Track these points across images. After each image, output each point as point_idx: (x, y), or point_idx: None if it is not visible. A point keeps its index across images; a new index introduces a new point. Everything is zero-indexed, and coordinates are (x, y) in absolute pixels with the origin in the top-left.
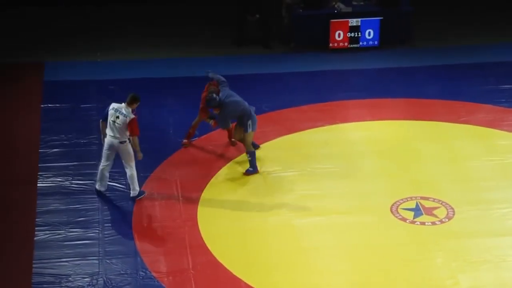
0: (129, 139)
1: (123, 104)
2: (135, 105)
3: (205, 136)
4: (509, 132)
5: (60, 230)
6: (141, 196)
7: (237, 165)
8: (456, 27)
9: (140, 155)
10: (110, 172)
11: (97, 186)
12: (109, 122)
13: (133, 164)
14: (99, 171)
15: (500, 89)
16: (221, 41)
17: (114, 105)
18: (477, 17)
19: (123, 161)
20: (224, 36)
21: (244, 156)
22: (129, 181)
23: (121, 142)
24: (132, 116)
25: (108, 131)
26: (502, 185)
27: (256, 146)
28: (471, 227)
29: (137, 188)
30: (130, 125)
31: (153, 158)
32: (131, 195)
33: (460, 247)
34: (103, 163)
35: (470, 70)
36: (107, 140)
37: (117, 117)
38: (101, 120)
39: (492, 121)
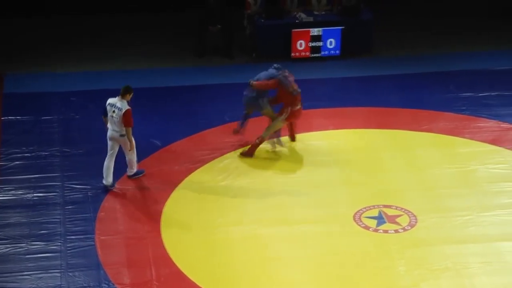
0: None
1: (117, 98)
2: (128, 96)
3: (168, 146)
4: (470, 139)
5: (21, 243)
6: (138, 176)
7: (200, 176)
8: (416, 36)
9: (132, 145)
10: (71, 184)
11: (104, 182)
12: (109, 117)
13: (131, 151)
14: (104, 165)
15: (461, 97)
16: (183, 52)
17: (109, 100)
18: (437, 26)
19: (123, 149)
20: (185, 47)
21: (207, 167)
22: (128, 164)
23: (121, 135)
24: (127, 108)
25: (109, 125)
26: (463, 192)
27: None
28: (433, 235)
29: (134, 170)
30: (124, 117)
31: (115, 169)
32: (128, 173)
33: (423, 255)
34: (108, 155)
35: (431, 78)
36: (109, 132)
37: (113, 111)
38: (103, 116)
39: (454, 129)
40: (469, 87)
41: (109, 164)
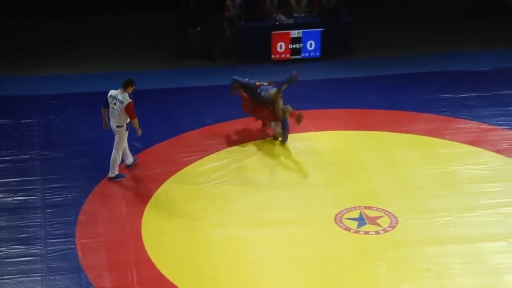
0: (127, 124)
1: (118, 90)
2: (130, 89)
3: (148, 149)
4: (450, 140)
5: (1, 247)
6: (119, 179)
7: (181, 179)
8: (396, 38)
9: (139, 131)
10: (51, 187)
11: (126, 163)
12: (110, 109)
13: (120, 150)
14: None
15: (440, 98)
16: (163, 54)
17: (111, 92)
18: (417, 27)
19: (114, 143)
20: (166, 49)
21: (188, 170)
22: (110, 163)
23: (117, 126)
24: (129, 100)
25: (110, 116)
26: (443, 193)
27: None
28: (413, 236)
29: (116, 172)
30: (126, 110)
31: (95, 172)
32: (109, 175)
33: (403, 256)
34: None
35: (411, 79)
36: (111, 123)
37: (115, 103)
38: (102, 107)
39: (434, 130)
40: (449, 88)
41: (125, 151)
